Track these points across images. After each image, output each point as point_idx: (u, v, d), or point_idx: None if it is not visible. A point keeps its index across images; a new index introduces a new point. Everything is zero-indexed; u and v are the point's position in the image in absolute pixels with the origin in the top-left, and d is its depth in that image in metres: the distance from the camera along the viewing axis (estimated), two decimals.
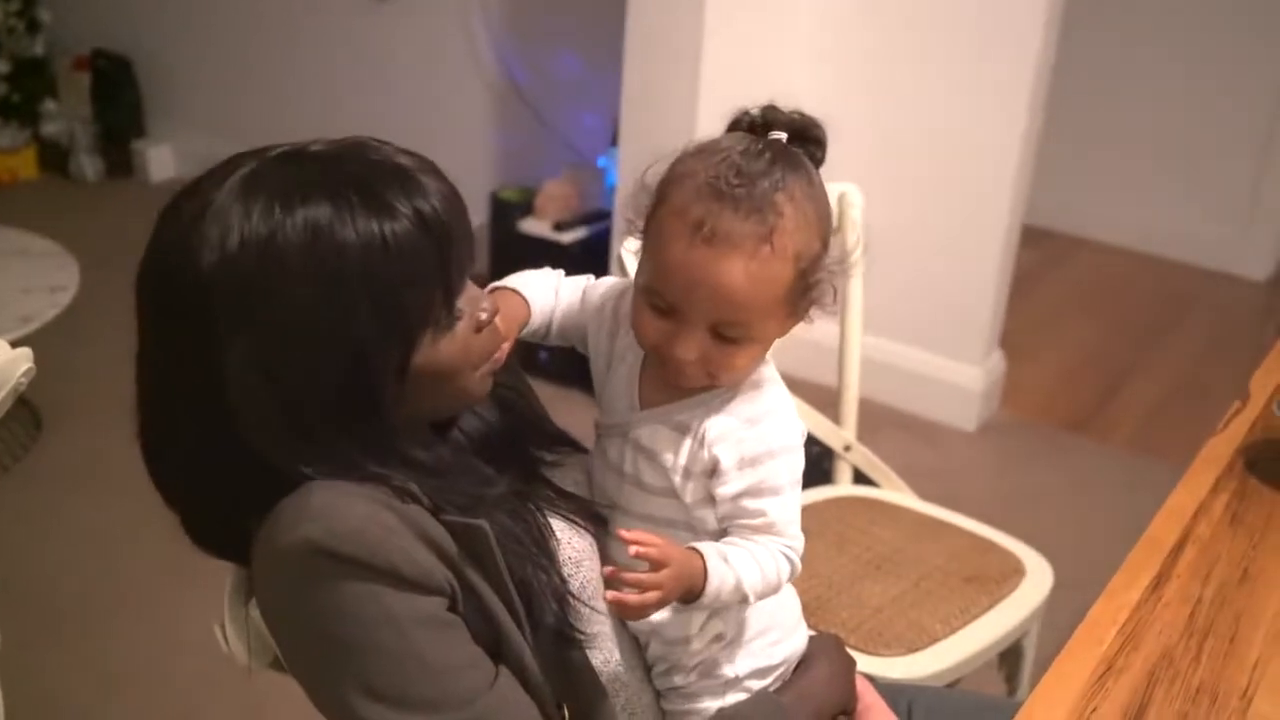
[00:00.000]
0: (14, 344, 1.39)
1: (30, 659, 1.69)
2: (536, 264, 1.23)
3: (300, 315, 0.94)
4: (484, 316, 1.04)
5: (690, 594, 1.03)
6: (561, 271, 1.23)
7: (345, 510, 0.93)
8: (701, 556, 1.04)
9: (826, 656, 1.21)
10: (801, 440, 1.11)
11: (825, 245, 1.07)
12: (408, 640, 0.93)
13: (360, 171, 0.97)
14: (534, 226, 3.57)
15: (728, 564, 1.04)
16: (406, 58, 4.12)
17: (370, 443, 0.98)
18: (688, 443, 1.08)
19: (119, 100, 4.78)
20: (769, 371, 1.13)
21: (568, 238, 3.50)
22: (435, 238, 0.96)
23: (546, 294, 1.20)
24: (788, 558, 1.09)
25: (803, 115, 1.08)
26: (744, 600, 1.07)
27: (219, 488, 1.01)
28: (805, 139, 1.08)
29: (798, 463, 1.10)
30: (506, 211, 3.67)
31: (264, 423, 0.95)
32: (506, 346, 1.11)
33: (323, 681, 0.98)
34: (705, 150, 1.05)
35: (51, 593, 2.39)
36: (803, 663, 1.19)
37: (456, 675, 0.95)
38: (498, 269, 3.81)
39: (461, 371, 1.03)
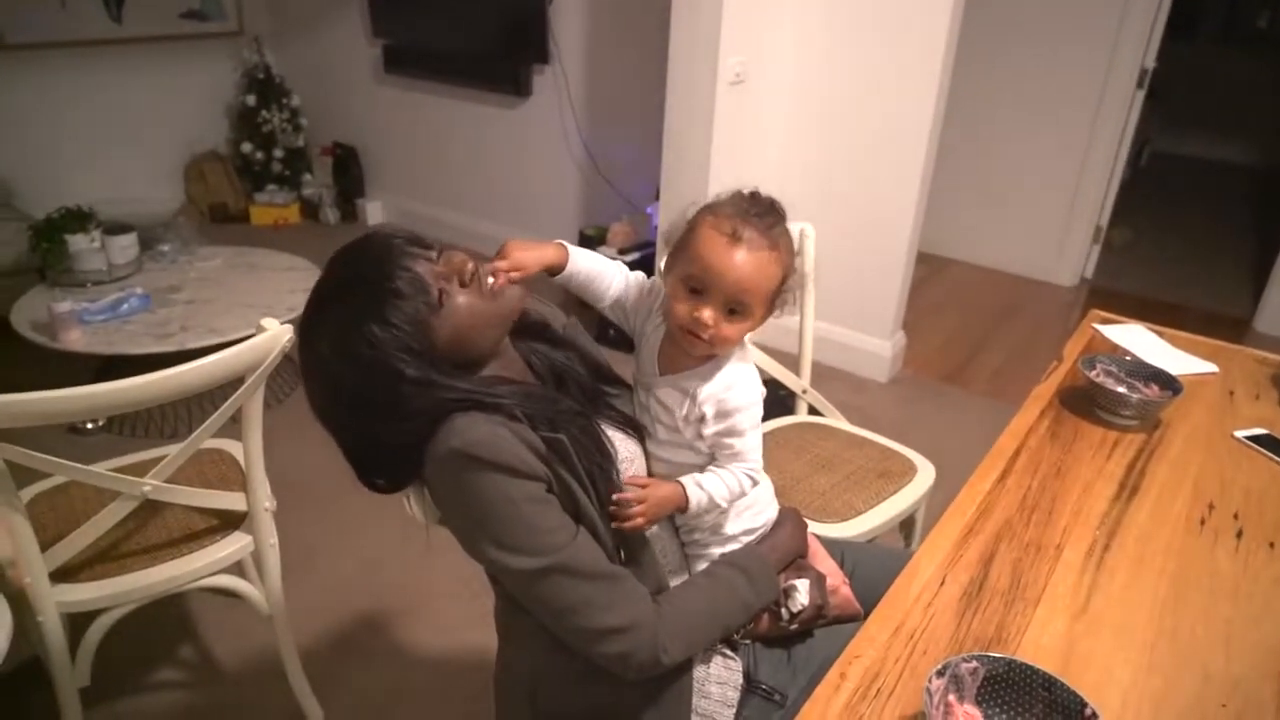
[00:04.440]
0: (282, 324, 1.40)
1: (287, 518, 1.71)
2: None
3: (369, 365, 0.94)
4: (465, 272, 0.99)
5: (678, 510, 1.04)
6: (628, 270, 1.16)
7: (475, 429, 0.92)
8: (683, 486, 1.04)
9: (790, 521, 1.19)
10: (760, 398, 1.06)
11: (794, 270, 1.04)
12: (518, 510, 0.92)
13: (371, 260, 0.96)
14: (606, 251, 3.53)
15: (701, 488, 1.05)
16: (528, 144, 4.08)
17: (470, 391, 0.96)
18: (686, 400, 1.06)
19: (349, 174, 4.76)
20: (741, 354, 1.09)
21: (627, 259, 3.43)
22: (410, 276, 0.95)
23: (615, 271, 1.13)
24: (750, 476, 1.07)
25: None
26: (718, 507, 1.07)
27: (392, 462, 1.02)
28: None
29: (757, 414, 1.06)
30: (589, 242, 3.62)
31: (395, 422, 0.96)
32: (503, 264, 1.02)
33: (467, 536, 0.97)
34: (724, 199, 1.02)
35: (305, 479, 2.41)
36: (775, 525, 1.18)
37: (550, 533, 0.94)
38: None
39: (476, 311, 0.99)
